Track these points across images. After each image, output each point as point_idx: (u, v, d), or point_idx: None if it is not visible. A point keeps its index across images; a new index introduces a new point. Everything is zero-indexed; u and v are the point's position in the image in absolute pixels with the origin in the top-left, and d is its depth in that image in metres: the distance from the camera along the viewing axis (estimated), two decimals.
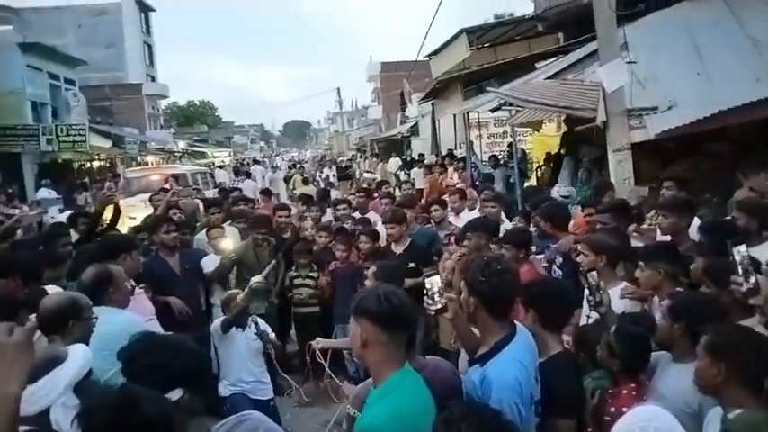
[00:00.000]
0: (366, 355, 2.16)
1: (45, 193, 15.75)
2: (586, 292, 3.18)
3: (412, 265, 5.35)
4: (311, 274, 6.02)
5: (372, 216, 7.30)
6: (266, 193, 10.62)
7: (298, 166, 26.27)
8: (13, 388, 1.36)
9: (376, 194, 8.87)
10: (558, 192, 6.57)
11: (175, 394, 1.82)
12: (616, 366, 2.56)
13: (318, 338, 4.20)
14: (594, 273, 3.03)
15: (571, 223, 5.14)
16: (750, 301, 2.44)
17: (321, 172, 23.48)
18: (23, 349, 1.40)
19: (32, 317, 2.86)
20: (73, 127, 21.38)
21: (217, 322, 4.43)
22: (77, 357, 2.31)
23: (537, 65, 10.91)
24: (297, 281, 6.05)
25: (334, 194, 11.64)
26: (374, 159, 27.15)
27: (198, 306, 5.38)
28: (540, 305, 2.61)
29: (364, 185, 12.28)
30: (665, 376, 2.55)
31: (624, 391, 2.50)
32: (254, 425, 1.57)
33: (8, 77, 19.44)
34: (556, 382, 2.42)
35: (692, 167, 6.77)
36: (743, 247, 2.44)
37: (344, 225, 6.67)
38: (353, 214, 7.29)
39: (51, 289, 3.66)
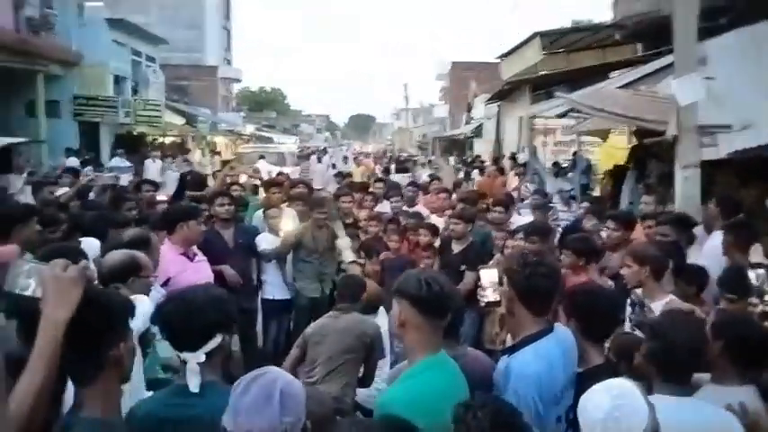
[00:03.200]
0: (403, 335, 2.24)
1: (118, 161, 16.57)
2: (629, 309, 3.12)
3: (463, 267, 5.39)
4: (359, 260, 6.10)
5: (422, 210, 7.33)
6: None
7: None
8: (64, 314, 1.60)
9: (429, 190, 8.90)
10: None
11: (216, 340, 1.96)
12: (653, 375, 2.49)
13: None
14: (639, 290, 2.96)
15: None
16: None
17: (381, 165, 23.63)
18: (75, 283, 1.64)
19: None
20: (150, 102, 22.29)
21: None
22: (144, 308, 2.47)
23: (611, 74, 10.65)
24: (344, 266, 6.14)
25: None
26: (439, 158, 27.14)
27: (249, 280, 5.56)
28: (582, 314, 2.55)
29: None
30: (701, 398, 2.42)
31: None
32: (273, 377, 1.66)
33: (94, 50, 20.37)
34: None
35: (765, 192, 6.47)
36: (761, 271, 2.41)
37: (397, 216, 6.73)
38: (404, 207, 7.35)
39: (87, 242, 3.88)
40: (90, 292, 1.71)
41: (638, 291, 2.88)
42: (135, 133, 22.73)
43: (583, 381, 2.37)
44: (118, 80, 22.40)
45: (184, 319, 1.95)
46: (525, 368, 2.21)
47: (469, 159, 22.63)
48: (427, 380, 2.13)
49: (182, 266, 4.20)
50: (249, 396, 1.60)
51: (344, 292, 4.11)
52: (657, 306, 3.12)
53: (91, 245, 3.81)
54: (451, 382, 2.19)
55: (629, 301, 3.02)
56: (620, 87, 8.64)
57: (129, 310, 1.84)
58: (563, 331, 2.42)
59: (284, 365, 3.69)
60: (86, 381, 1.72)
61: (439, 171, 16.20)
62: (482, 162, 18.22)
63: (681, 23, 6.20)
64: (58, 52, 18.77)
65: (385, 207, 7.53)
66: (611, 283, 4.05)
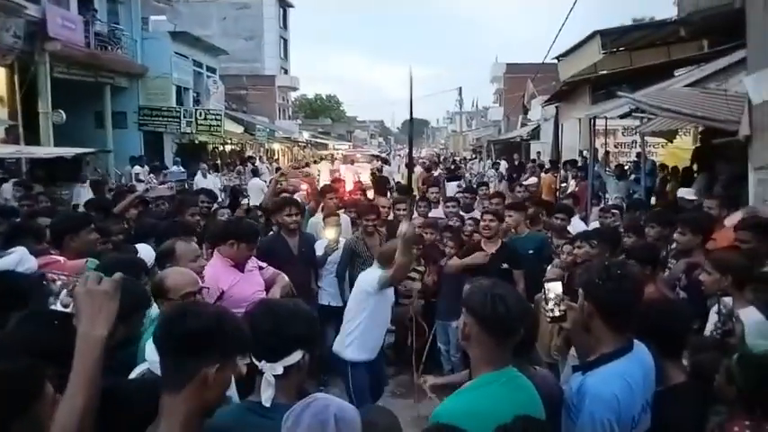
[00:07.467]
0: (468, 347, 2.17)
1: (175, 168, 17.17)
2: (714, 317, 2.94)
3: (505, 266, 5.28)
4: (418, 267, 6.04)
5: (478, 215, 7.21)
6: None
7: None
8: (100, 330, 1.48)
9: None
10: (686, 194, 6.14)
11: (296, 356, 1.93)
12: (733, 396, 2.26)
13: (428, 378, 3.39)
14: (729, 299, 2.78)
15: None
16: None
17: (434, 171, 23.47)
18: (110, 297, 1.52)
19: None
20: (211, 112, 22.86)
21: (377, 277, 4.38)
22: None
23: (676, 72, 10.20)
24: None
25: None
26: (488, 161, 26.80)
27: (309, 286, 5.60)
28: (657, 332, 2.39)
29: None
30: None
31: (736, 428, 2.17)
32: (325, 403, 1.61)
33: (158, 63, 21.13)
34: (672, 416, 2.21)
35: None
36: None
37: (451, 223, 6.64)
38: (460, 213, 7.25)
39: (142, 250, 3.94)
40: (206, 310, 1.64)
41: (727, 299, 2.68)
42: (197, 142, 23.42)
43: (662, 400, 2.23)
44: (180, 91, 23.13)
45: (271, 326, 1.94)
46: (603, 389, 2.07)
47: (517, 163, 22.22)
48: (485, 395, 2.05)
49: (233, 278, 4.11)
50: (302, 427, 1.56)
51: None
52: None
53: (147, 253, 3.80)
54: (514, 399, 2.08)
55: (714, 309, 2.83)
56: (687, 86, 8.26)
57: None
58: (643, 349, 2.26)
59: None
60: (171, 387, 1.58)
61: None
62: (534, 163, 17.85)
63: (755, 16, 5.88)
64: (124, 65, 19.58)
65: (439, 213, 7.45)
66: (683, 294, 3.84)
